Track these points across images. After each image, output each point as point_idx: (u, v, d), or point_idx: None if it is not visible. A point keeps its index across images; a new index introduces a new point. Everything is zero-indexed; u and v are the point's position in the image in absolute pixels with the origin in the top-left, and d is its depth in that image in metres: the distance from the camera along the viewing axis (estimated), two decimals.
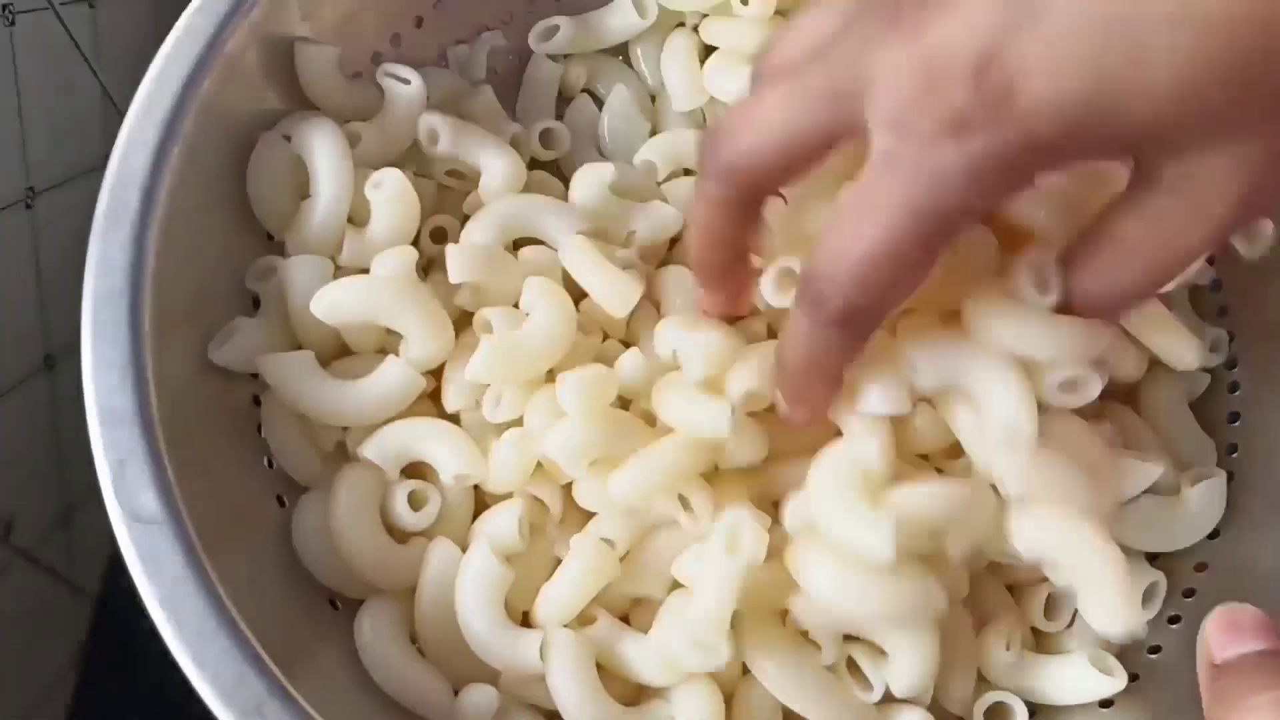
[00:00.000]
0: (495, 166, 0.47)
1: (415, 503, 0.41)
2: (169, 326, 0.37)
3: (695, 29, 0.55)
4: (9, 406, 0.60)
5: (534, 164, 0.53)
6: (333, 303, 0.41)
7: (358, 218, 0.45)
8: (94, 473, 0.37)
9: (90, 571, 0.69)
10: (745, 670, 0.40)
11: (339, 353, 0.44)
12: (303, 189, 0.45)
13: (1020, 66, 0.22)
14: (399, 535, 0.41)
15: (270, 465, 0.43)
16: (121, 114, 0.42)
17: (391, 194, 0.44)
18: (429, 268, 0.47)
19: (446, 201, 0.50)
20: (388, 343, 0.44)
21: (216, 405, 0.41)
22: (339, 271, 0.43)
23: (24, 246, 0.62)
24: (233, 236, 0.43)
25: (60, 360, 0.65)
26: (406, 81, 0.47)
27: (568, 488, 0.42)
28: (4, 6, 0.59)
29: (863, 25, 0.25)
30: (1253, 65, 0.21)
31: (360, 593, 0.41)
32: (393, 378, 0.41)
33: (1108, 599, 0.34)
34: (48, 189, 0.63)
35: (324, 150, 0.43)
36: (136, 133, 0.38)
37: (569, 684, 0.38)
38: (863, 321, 0.28)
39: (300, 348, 0.43)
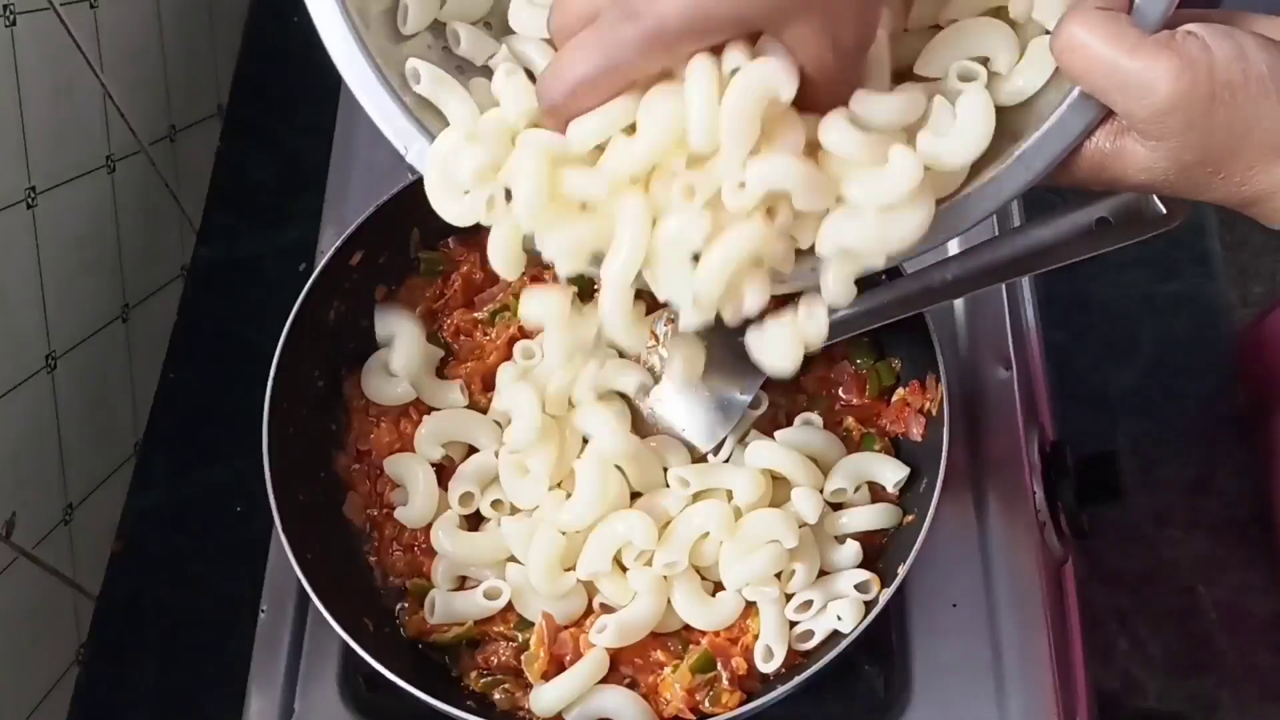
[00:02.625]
0: None
1: None
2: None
3: None
4: (10, 406, 0.60)
5: None
6: None
7: None
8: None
9: (91, 571, 0.69)
10: None
11: None
12: None
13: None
14: None
15: None
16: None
17: None
18: None
19: None
20: None
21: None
22: None
23: (26, 246, 0.62)
24: None
25: (61, 360, 0.65)
26: None
27: None
28: (5, 7, 0.59)
29: None
30: None
31: None
32: None
33: None
34: (49, 188, 0.64)
35: None
36: None
37: None
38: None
39: None
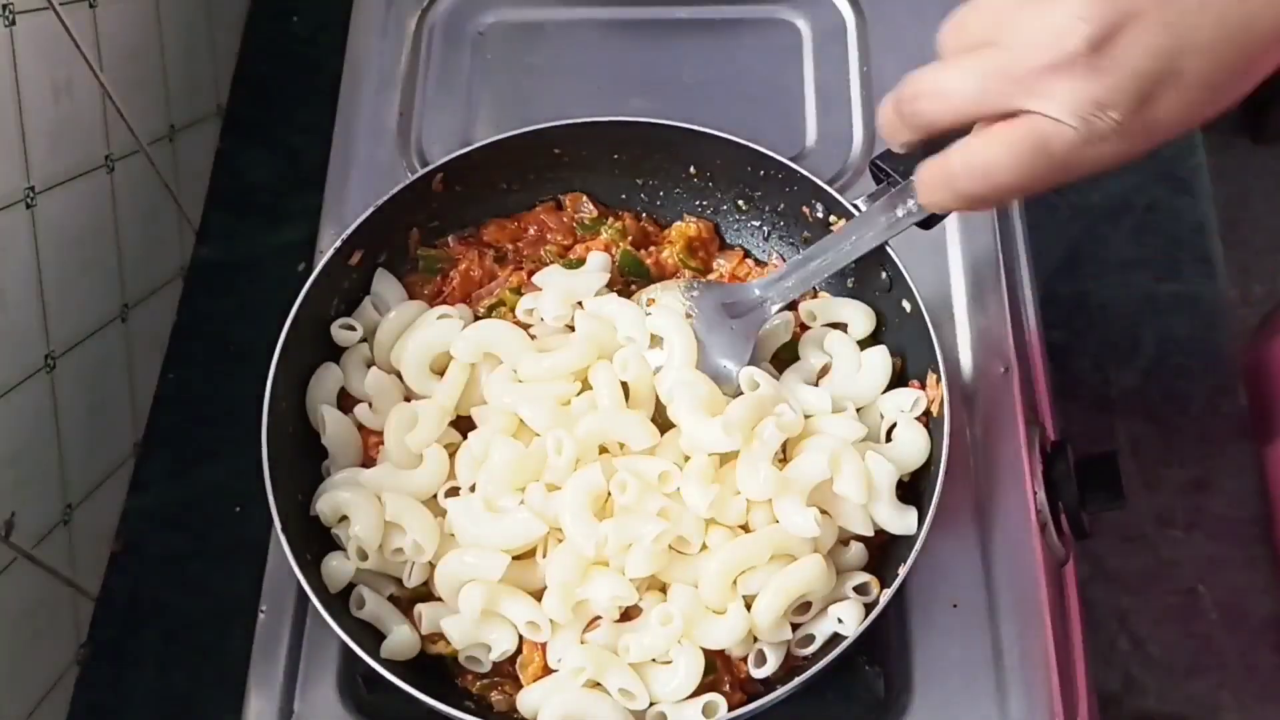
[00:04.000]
0: None
1: None
2: None
3: None
4: (10, 406, 0.60)
5: None
6: None
7: None
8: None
9: (90, 571, 0.69)
10: None
11: None
12: None
13: None
14: None
15: None
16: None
17: None
18: None
19: None
20: None
21: None
22: None
23: (25, 246, 0.62)
24: None
25: (60, 360, 0.65)
26: None
27: None
28: (4, 6, 0.59)
29: None
30: None
31: None
32: None
33: None
34: (48, 188, 0.63)
35: None
36: None
37: None
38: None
39: None
